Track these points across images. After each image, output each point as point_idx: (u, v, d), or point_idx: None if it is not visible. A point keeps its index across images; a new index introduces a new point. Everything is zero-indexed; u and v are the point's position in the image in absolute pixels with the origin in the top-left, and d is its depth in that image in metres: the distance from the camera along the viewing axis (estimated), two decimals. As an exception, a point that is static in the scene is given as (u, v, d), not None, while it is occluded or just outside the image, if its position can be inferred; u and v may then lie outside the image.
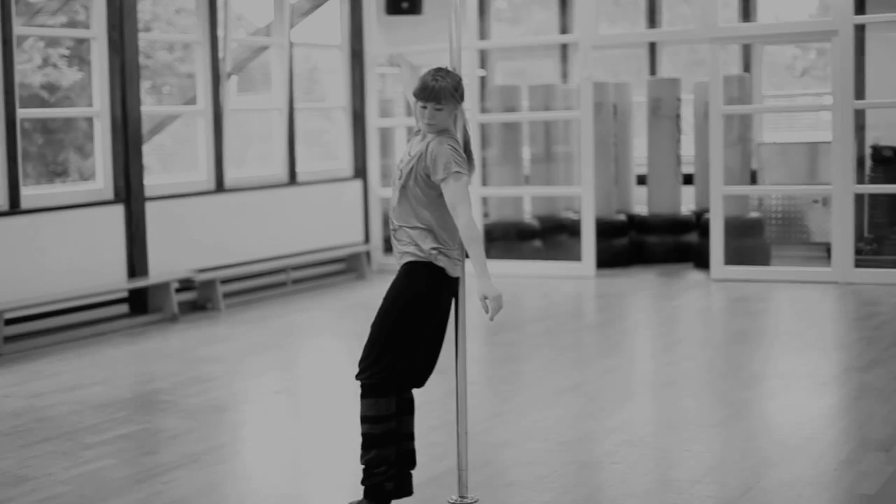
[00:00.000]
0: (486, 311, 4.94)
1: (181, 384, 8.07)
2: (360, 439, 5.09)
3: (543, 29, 17.64)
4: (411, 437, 5.27)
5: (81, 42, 11.73)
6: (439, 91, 5.05)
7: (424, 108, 5.08)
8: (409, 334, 5.07)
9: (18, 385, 8.21)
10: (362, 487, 5.14)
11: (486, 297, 4.92)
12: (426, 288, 5.06)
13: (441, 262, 5.07)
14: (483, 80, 14.86)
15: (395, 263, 5.17)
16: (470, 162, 5.19)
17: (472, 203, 4.96)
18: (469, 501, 5.29)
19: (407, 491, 5.25)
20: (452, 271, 5.11)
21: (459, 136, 5.19)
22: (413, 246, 5.08)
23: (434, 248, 5.07)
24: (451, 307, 5.21)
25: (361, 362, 5.11)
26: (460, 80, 5.19)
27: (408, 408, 5.26)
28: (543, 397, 7.36)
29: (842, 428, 6.41)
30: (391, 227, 5.20)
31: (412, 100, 5.18)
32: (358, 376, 5.11)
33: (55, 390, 7.99)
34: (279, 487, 5.67)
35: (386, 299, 5.13)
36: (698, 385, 7.61)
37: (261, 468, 6.06)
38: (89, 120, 12.32)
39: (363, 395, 5.11)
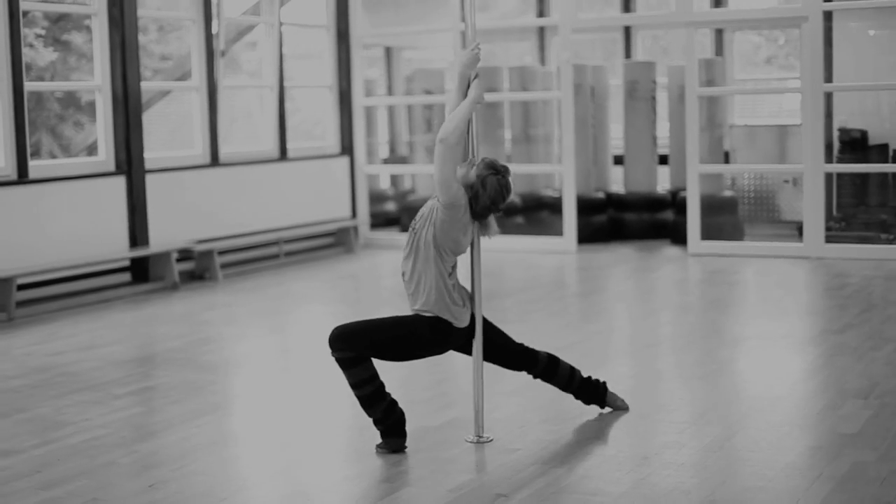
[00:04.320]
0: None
1: (192, 344, 8.49)
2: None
3: (512, 14, 18.09)
4: None
5: (56, 21, 12.09)
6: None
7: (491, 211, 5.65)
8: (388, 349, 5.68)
9: (37, 345, 8.61)
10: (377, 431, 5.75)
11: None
12: (430, 336, 5.66)
13: (446, 315, 5.62)
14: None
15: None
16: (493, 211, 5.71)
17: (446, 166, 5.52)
18: (485, 440, 5.77)
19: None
20: (460, 321, 5.66)
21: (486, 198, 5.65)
22: (422, 299, 5.63)
23: (438, 303, 5.61)
24: (449, 348, 5.81)
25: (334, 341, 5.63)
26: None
27: None
28: (540, 355, 7.82)
29: (821, 380, 6.91)
30: (403, 274, 5.73)
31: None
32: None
33: (73, 349, 8.39)
34: (298, 429, 6.10)
35: (387, 321, 5.71)
36: (682, 345, 8.10)
37: (279, 414, 6.49)
38: (61, 100, 12.71)
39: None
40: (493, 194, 5.60)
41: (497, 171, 5.62)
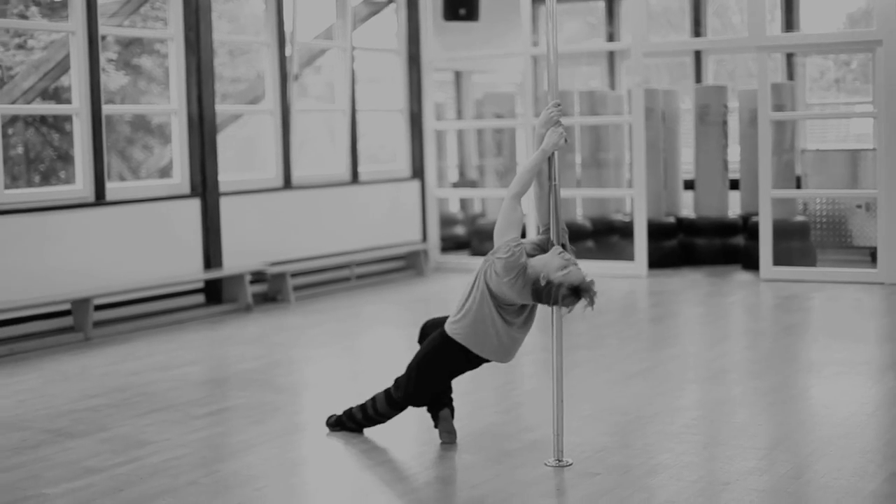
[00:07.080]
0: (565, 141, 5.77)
1: (269, 365, 8.55)
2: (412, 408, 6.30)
3: (577, 38, 18.11)
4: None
5: (127, 46, 12.25)
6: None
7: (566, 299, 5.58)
8: None
9: (115, 364, 8.71)
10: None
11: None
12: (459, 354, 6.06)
13: (468, 344, 5.89)
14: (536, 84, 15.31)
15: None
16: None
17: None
18: (565, 463, 5.76)
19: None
20: (482, 353, 5.93)
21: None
22: (458, 318, 5.96)
23: (469, 334, 5.93)
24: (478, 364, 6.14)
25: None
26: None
27: None
28: (616, 379, 7.80)
29: (903, 408, 6.85)
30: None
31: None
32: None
33: (151, 369, 8.48)
34: (372, 452, 6.12)
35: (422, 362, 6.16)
36: (760, 370, 8.03)
37: (354, 436, 6.51)
38: (131, 123, 12.88)
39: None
40: (551, 297, 5.58)
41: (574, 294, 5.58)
